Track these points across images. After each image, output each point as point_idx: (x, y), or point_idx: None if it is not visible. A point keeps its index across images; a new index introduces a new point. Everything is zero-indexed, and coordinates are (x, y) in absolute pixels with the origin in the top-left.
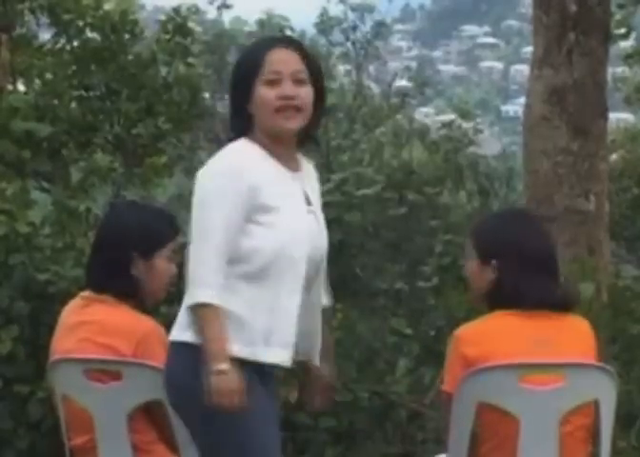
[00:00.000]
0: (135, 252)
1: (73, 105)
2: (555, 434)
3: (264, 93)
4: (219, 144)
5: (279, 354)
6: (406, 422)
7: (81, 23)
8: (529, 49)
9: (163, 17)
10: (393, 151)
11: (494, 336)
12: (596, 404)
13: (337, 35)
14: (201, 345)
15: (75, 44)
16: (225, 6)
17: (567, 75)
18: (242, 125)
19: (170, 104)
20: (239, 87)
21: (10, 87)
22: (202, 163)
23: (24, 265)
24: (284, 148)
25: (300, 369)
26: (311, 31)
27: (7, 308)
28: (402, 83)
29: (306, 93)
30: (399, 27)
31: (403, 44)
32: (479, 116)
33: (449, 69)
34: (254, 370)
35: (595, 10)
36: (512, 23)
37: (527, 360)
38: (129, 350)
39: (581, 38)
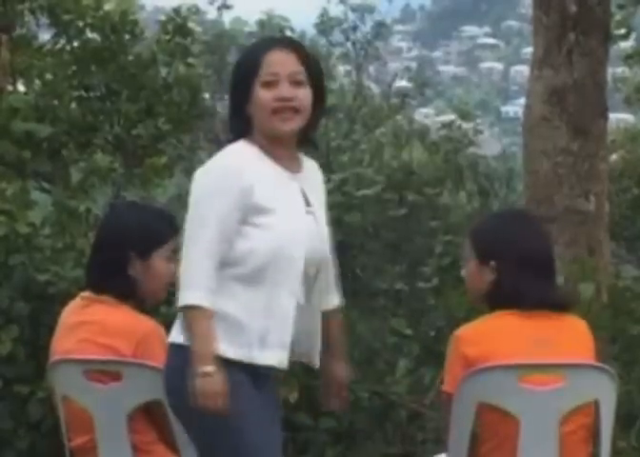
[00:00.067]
0: (132, 252)
1: (73, 105)
2: (555, 434)
3: (261, 95)
4: (219, 144)
5: (275, 356)
6: (406, 422)
7: (81, 23)
8: (529, 50)
9: (163, 17)
10: (393, 152)
11: (494, 336)
12: (596, 404)
13: (337, 36)
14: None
15: (75, 44)
16: (225, 6)
17: (567, 76)
18: (241, 126)
19: (171, 104)
20: (238, 88)
21: (10, 87)
22: (202, 163)
23: (24, 265)
24: (283, 148)
25: (301, 370)
26: (312, 32)
27: (7, 309)
28: (402, 83)
29: (304, 95)
30: (399, 27)
31: (403, 44)
32: (479, 117)
33: (449, 69)
34: (249, 373)
35: (595, 11)
36: (512, 23)
37: (527, 360)
38: (129, 351)
39: (581, 38)
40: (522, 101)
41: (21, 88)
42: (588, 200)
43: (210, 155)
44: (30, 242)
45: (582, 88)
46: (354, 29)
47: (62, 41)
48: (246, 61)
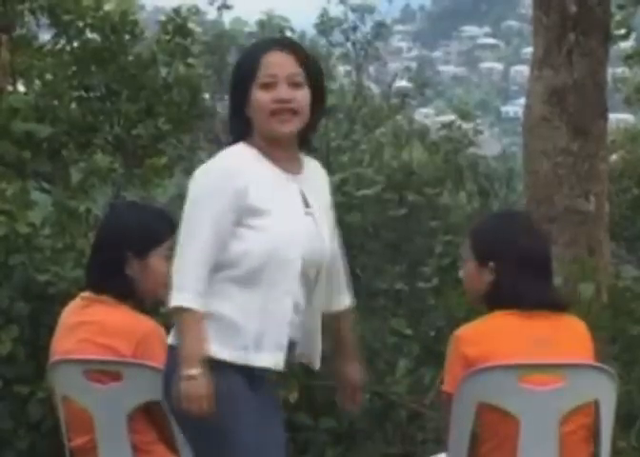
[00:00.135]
0: (130, 252)
1: (73, 105)
2: (555, 434)
3: (259, 97)
4: (219, 144)
5: (271, 358)
6: (406, 422)
7: (81, 24)
8: (529, 50)
9: (163, 18)
10: (393, 152)
11: (494, 336)
12: (596, 404)
13: (337, 36)
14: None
15: (75, 44)
16: (225, 6)
17: (567, 76)
18: (241, 128)
19: (170, 104)
20: (237, 90)
21: (10, 87)
22: (202, 163)
23: (24, 265)
24: (282, 150)
25: (301, 370)
26: (312, 32)
27: (7, 309)
28: (402, 83)
29: (302, 96)
30: (399, 27)
31: (403, 44)
32: (479, 117)
33: (449, 69)
34: (245, 374)
35: (595, 11)
36: (512, 23)
37: (527, 360)
38: (128, 351)
39: (581, 39)
40: (522, 101)
41: (21, 88)
42: (588, 200)
43: (210, 155)
44: (30, 242)
45: (582, 88)
46: (354, 29)
47: (62, 41)
48: (244, 63)
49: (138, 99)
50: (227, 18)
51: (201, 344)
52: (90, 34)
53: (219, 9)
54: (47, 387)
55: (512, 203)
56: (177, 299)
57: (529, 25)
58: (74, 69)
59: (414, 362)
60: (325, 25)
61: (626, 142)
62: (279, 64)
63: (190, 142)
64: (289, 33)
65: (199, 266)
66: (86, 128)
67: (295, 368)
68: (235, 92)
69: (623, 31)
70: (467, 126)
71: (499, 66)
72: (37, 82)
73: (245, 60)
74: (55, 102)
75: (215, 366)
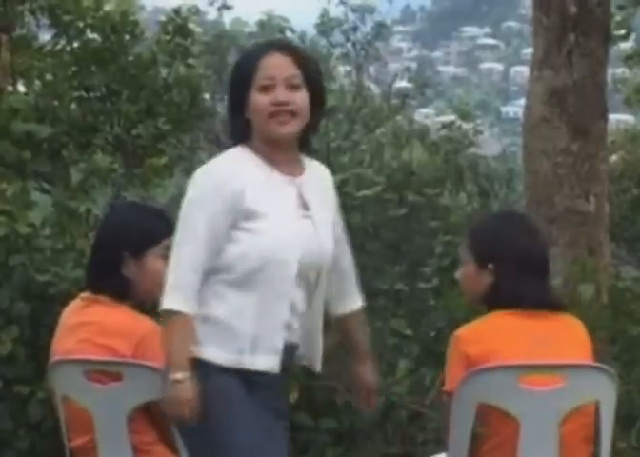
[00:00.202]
0: (126, 252)
1: (73, 106)
2: (555, 435)
3: (258, 99)
4: (219, 144)
5: (266, 361)
6: (406, 422)
7: (81, 24)
8: (529, 51)
9: (163, 18)
10: (393, 152)
11: (495, 335)
12: (596, 404)
13: (337, 36)
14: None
15: (75, 45)
16: (225, 7)
17: (567, 76)
18: (240, 131)
19: (171, 105)
20: (235, 93)
21: (10, 88)
22: (202, 163)
23: (24, 266)
24: (281, 152)
25: (301, 371)
26: (312, 32)
27: (7, 309)
28: (402, 84)
29: (300, 98)
30: (399, 28)
31: (403, 45)
32: (479, 117)
33: (449, 70)
34: (241, 378)
35: (595, 12)
36: (512, 24)
37: (527, 359)
38: (128, 351)
39: (581, 39)
40: (522, 101)
41: (21, 88)
42: (588, 201)
43: (211, 155)
44: (31, 242)
45: (582, 88)
46: (354, 29)
47: (62, 41)
48: (242, 66)
49: (138, 99)
50: (227, 18)
51: (189, 348)
52: (90, 35)
53: (219, 9)
54: (47, 388)
55: (512, 203)
56: (168, 302)
57: (529, 25)
58: (74, 69)
59: (415, 362)
60: (325, 25)
61: (626, 142)
62: (277, 66)
63: (190, 142)
64: (289, 34)
65: (192, 268)
66: (86, 128)
67: (295, 369)
68: (234, 95)
69: (623, 32)
70: (467, 126)
71: (499, 66)
72: (37, 82)
73: (243, 63)
74: (55, 102)
75: (211, 368)
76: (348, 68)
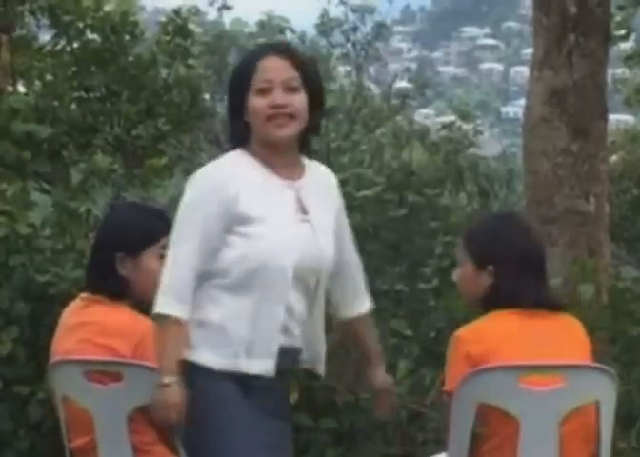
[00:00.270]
0: (122, 252)
1: (73, 106)
2: (555, 435)
3: (256, 102)
4: (219, 145)
5: (262, 365)
6: (406, 423)
7: (81, 24)
8: (529, 51)
9: (163, 18)
10: (393, 153)
11: (495, 334)
12: (596, 405)
13: (337, 36)
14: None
15: (75, 45)
16: (225, 7)
17: (567, 77)
18: (239, 134)
19: (171, 105)
20: (234, 96)
21: (10, 88)
22: (202, 164)
23: (24, 266)
24: (280, 156)
25: (301, 371)
26: (312, 33)
27: (7, 310)
28: (402, 84)
29: (299, 101)
30: (399, 28)
31: (403, 45)
32: (479, 118)
33: (449, 70)
34: (236, 381)
35: (595, 12)
36: (512, 24)
37: (528, 359)
38: (128, 351)
39: (581, 40)
40: (522, 102)
41: (21, 88)
42: (588, 201)
43: (211, 156)
44: (31, 243)
45: (582, 89)
46: (355, 29)
47: (62, 42)
48: (240, 69)
49: (138, 100)
50: (227, 19)
51: (180, 352)
52: (90, 35)
53: (219, 9)
54: (47, 388)
55: (512, 203)
56: (161, 305)
57: (529, 26)
58: (74, 69)
59: (415, 363)
60: (325, 25)
61: (626, 143)
62: (275, 69)
63: (189, 142)
64: (289, 34)
65: (189, 266)
66: (86, 128)
67: (296, 371)
68: (233, 98)
69: (623, 32)
70: (467, 126)
71: (499, 66)
72: (37, 83)
73: (241, 66)
74: (55, 103)
75: (206, 373)
76: (348, 68)
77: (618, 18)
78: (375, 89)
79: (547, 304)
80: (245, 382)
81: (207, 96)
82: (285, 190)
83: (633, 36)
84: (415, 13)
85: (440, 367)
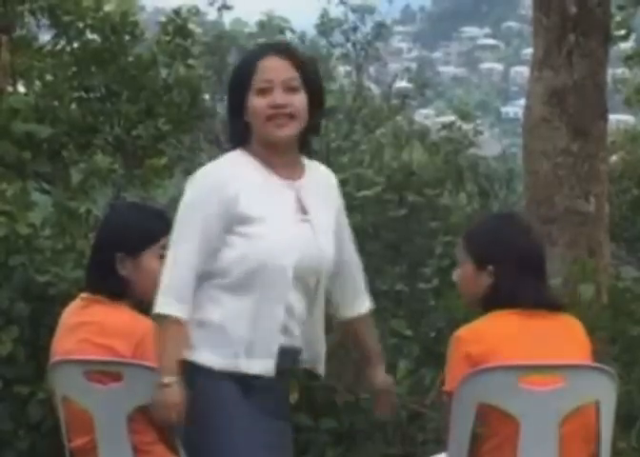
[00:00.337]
0: (122, 252)
1: (73, 106)
2: (555, 435)
3: (256, 102)
4: (219, 145)
5: (261, 365)
6: (406, 423)
7: (81, 24)
8: (529, 51)
9: (163, 19)
10: (393, 153)
11: (495, 334)
12: (596, 405)
13: (338, 36)
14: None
15: (75, 45)
16: (225, 7)
17: (567, 77)
18: (240, 134)
19: (171, 105)
20: (234, 96)
21: (10, 88)
22: (202, 164)
23: (24, 266)
24: (280, 156)
25: (301, 371)
26: (312, 33)
27: (7, 310)
28: (402, 84)
29: (299, 101)
30: (399, 28)
31: (403, 45)
32: (479, 118)
33: (449, 70)
34: (236, 381)
35: (595, 12)
36: (512, 24)
37: (528, 358)
38: (128, 352)
39: (581, 40)
40: (522, 102)
41: (21, 89)
42: (588, 201)
43: (211, 156)
44: (31, 243)
45: (582, 89)
46: (355, 29)
47: (62, 42)
48: (240, 69)
49: (138, 100)
50: (227, 19)
51: (180, 352)
52: (90, 35)
53: (219, 9)
54: (47, 388)
55: (512, 204)
56: (162, 305)
57: (529, 26)
58: (74, 69)
59: (415, 363)
60: (325, 25)
61: (626, 143)
62: (275, 69)
63: (190, 142)
64: (289, 34)
65: (189, 266)
66: (86, 128)
67: (295, 369)
68: (233, 99)
69: (623, 32)
70: (467, 126)
71: (499, 66)
72: (37, 83)
73: (241, 66)
74: (55, 103)
75: (206, 373)
76: (348, 68)
77: (618, 18)
78: (375, 89)
79: (547, 304)
80: (245, 382)
81: (207, 96)
82: (285, 190)
83: (633, 36)
84: (415, 13)
85: (440, 367)
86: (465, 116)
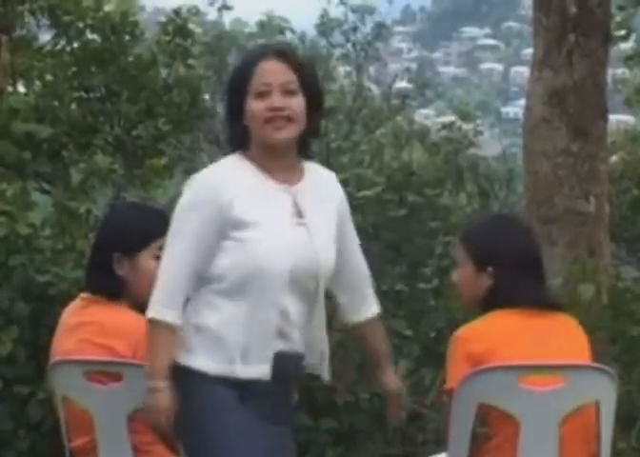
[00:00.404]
0: (119, 252)
1: (73, 106)
2: (555, 435)
3: (254, 106)
4: (219, 145)
5: (257, 369)
6: (406, 423)
7: (81, 24)
8: (529, 51)
9: (163, 19)
10: (393, 153)
11: (496, 333)
12: (596, 405)
13: (338, 37)
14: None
15: (75, 45)
16: (225, 7)
17: (567, 77)
18: (238, 138)
19: (171, 105)
20: (232, 100)
21: (10, 88)
22: (202, 164)
23: (24, 266)
24: (278, 159)
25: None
26: (312, 33)
27: (7, 310)
28: (402, 84)
29: (297, 104)
30: (399, 28)
31: (403, 45)
32: (479, 118)
33: (449, 70)
34: (233, 387)
35: (595, 12)
36: (513, 24)
37: (528, 357)
38: (128, 352)
39: (581, 40)
40: (522, 102)
41: (21, 89)
42: (588, 201)
43: (211, 156)
44: (31, 243)
45: (582, 89)
46: (355, 30)
47: (62, 42)
48: (238, 72)
49: (138, 100)
50: (227, 19)
51: (171, 357)
52: (90, 35)
53: (219, 9)
54: (47, 388)
55: (512, 204)
56: (152, 310)
57: (529, 26)
58: (74, 69)
59: (414, 363)
60: (325, 26)
61: (626, 143)
62: (273, 72)
63: (190, 142)
64: (289, 34)
65: (179, 275)
66: (86, 128)
67: (300, 376)
68: (231, 102)
69: (623, 32)
70: (467, 127)
71: (499, 67)
72: (37, 83)
73: (239, 69)
74: (55, 103)
75: (202, 378)
76: (348, 68)
77: (618, 18)
78: (375, 90)
79: (546, 303)
80: (241, 387)
81: (207, 96)
82: (281, 195)
83: (633, 36)
84: (415, 14)
85: (440, 367)
86: (465, 116)
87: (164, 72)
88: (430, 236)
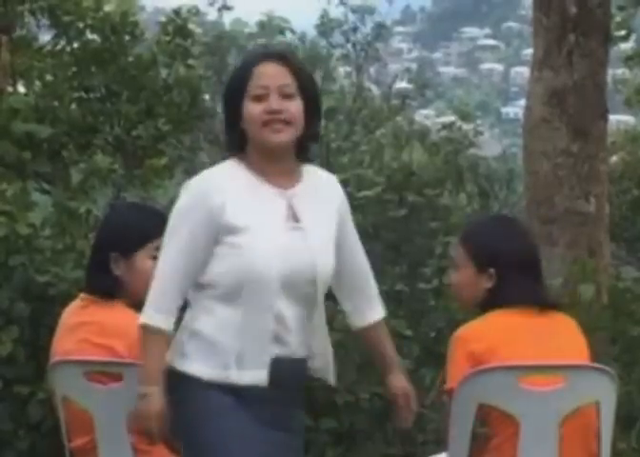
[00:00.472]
0: (116, 252)
1: (73, 106)
2: (555, 435)
3: (251, 109)
4: (219, 145)
5: (253, 375)
6: None
7: (81, 24)
8: (529, 51)
9: (163, 19)
10: (394, 153)
11: (496, 332)
12: (596, 405)
13: (338, 37)
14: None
15: (75, 45)
16: (225, 7)
17: (567, 77)
18: (236, 141)
19: (171, 105)
20: (230, 103)
21: (10, 88)
22: (202, 164)
23: (24, 266)
24: (275, 163)
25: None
26: (312, 33)
27: (7, 310)
28: (402, 85)
29: (294, 107)
30: (399, 28)
31: (403, 46)
32: (479, 118)
33: (449, 70)
34: (228, 393)
35: (595, 12)
36: (513, 25)
37: (528, 358)
38: (127, 352)
39: (581, 40)
40: (522, 102)
41: (21, 89)
42: (588, 201)
43: (210, 156)
44: (31, 243)
45: (582, 89)
46: (355, 30)
47: (62, 42)
48: (236, 75)
49: (138, 100)
50: (227, 19)
51: (162, 362)
52: (90, 35)
53: (219, 10)
54: (47, 388)
55: (512, 204)
56: (145, 315)
57: (529, 26)
58: (74, 69)
59: (414, 363)
60: (325, 26)
61: (626, 143)
62: (270, 75)
63: (190, 143)
64: (289, 35)
65: (171, 280)
66: (86, 128)
67: (307, 380)
68: (229, 106)
69: (623, 33)
70: (467, 127)
71: (499, 67)
72: (37, 83)
73: (237, 72)
74: (55, 103)
75: (197, 383)
76: (348, 69)
77: (618, 18)
78: (375, 90)
79: (545, 303)
80: (237, 392)
81: (207, 96)
82: (275, 199)
83: (633, 37)
84: (415, 14)
85: (440, 367)
86: (465, 117)
87: (164, 72)
88: (430, 236)
